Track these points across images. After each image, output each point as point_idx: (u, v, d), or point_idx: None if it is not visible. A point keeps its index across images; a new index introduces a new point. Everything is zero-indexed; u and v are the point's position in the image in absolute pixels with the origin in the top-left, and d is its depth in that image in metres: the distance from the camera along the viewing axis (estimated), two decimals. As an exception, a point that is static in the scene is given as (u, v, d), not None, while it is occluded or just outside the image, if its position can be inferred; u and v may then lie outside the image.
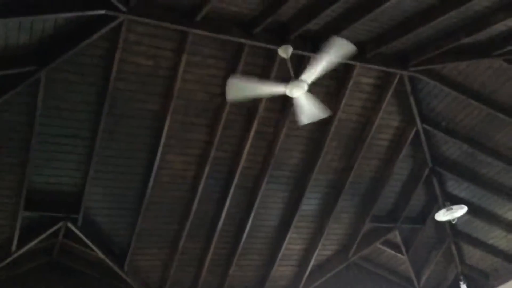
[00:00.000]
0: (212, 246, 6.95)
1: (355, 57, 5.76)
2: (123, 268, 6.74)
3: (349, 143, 6.75)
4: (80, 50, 5.01)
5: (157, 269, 7.05)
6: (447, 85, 6.19)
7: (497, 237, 8.00)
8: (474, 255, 8.39)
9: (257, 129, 6.16)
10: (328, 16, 5.25)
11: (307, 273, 7.71)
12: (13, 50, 4.79)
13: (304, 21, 5.26)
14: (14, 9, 4.37)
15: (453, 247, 8.31)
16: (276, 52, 5.43)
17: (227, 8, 5.07)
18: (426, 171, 7.27)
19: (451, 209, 7.09)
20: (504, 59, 5.82)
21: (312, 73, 4.74)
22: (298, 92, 4.90)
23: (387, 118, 6.68)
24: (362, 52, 5.76)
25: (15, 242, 6.16)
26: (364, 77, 6.21)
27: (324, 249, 7.75)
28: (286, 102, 6.00)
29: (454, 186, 7.50)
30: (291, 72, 5.02)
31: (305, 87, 4.86)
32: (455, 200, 7.43)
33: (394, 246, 8.09)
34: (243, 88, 4.83)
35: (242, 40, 5.36)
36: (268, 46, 5.43)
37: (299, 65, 5.48)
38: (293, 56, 5.29)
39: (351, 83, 6.09)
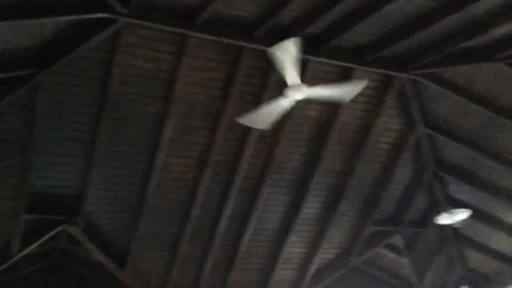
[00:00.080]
0: (213, 249, 6.94)
1: (355, 60, 5.78)
2: (124, 270, 6.74)
3: (350, 146, 6.74)
4: (80, 53, 5.02)
5: (158, 272, 7.04)
6: (448, 88, 6.18)
7: (500, 241, 7.96)
8: (476, 259, 8.36)
9: (258, 132, 6.15)
10: (328, 19, 5.24)
11: (308, 277, 7.69)
12: (13, 53, 4.80)
13: (304, 24, 5.26)
14: (14, 12, 4.37)
15: (456, 251, 8.28)
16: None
17: (227, 11, 5.06)
18: (428, 175, 7.25)
19: (453, 213, 7.08)
20: (506, 63, 5.79)
21: (295, 74, 4.71)
22: (299, 96, 4.88)
23: (388, 122, 6.67)
24: (362, 56, 5.77)
25: (16, 245, 6.15)
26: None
27: (326, 253, 7.73)
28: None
29: (456, 189, 7.48)
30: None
31: (305, 91, 4.84)
32: (457, 204, 7.40)
33: (396, 250, 8.07)
34: (257, 117, 4.90)
35: (243, 43, 5.36)
36: (269, 49, 5.41)
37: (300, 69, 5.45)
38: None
39: (352, 86, 6.07)
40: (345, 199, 7.10)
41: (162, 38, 5.25)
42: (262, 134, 6.21)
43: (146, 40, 5.23)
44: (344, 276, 8.08)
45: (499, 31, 5.32)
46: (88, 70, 5.27)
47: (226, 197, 6.59)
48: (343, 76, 6.01)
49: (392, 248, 8.05)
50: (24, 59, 4.92)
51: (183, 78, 5.52)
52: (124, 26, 4.98)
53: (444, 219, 7.16)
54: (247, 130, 6.14)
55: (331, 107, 6.28)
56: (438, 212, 7.45)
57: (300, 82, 4.74)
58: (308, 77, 5.62)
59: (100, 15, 4.72)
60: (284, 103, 4.84)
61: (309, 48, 5.50)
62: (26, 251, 6.24)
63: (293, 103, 4.83)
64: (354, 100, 6.21)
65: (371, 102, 6.42)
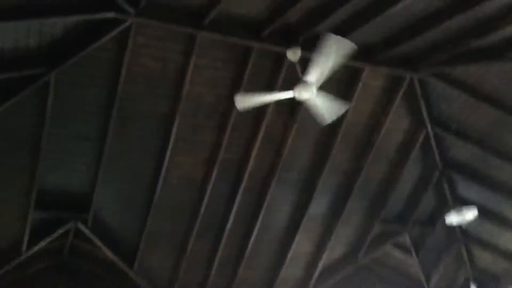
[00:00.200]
0: (221, 247, 6.97)
1: (364, 59, 5.76)
2: (132, 268, 6.79)
3: (358, 145, 6.73)
4: (89, 52, 5.05)
5: (166, 269, 7.09)
6: (458, 88, 6.14)
7: (508, 240, 7.92)
8: (484, 258, 8.32)
9: (266, 132, 6.16)
10: (337, 18, 5.23)
11: (315, 275, 7.70)
12: (23, 52, 4.84)
13: (312, 24, 5.25)
14: (24, 13, 4.42)
15: (464, 250, 8.26)
16: (284, 55, 5.42)
17: (235, 10, 5.07)
18: (436, 174, 7.23)
19: (461, 211, 7.05)
20: (515, 62, 5.76)
21: (317, 74, 4.71)
22: (307, 94, 4.88)
23: (397, 121, 6.64)
24: (371, 55, 5.75)
25: (25, 243, 6.22)
26: (373, 80, 6.18)
27: (333, 252, 7.73)
28: (294, 105, 5.99)
29: (465, 188, 7.44)
30: (300, 74, 5.01)
31: (314, 88, 4.84)
32: (465, 203, 7.37)
33: (404, 249, 8.05)
34: (251, 100, 4.87)
35: (250, 43, 5.36)
36: (277, 48, 5.42)
37: (308, 68, 5.45)
38: (301, 59, 5.28)
39: (360, 86, 6.06)
40: (352, 198, 7.09)
41: (170, 37, 5.27)
42: (270, 133, 6.22)
43: (154, 40, 5.25)
44: (352, 275, 8.09)
45: (509, 30, 5.28)
46: (97, 69, 5.30)
47: (233, 195, 6.61)
48: (352, 76, 6.01)
49: (400, 247, 8.04)
50: (34, 58, 4.96)
51: (191, 77, 5.53)
52: (132, 26, 5.00)
53: (452, 218, 7.14)
54: (255, 129, 6.15)
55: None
56: (446, 211, 7.42)
57: (314, 82, 4.75)
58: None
59: (109, 15, 4.74)
60: (286, 95, 4.85)
61: (316, 48, 5.49)
62: (36, 248, 6.31)
63: (300, 100, 4.85)
64: (362, 100, 6.26)
65: (380, 101, 6.40)
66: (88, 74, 5.30)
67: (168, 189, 6.31)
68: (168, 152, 5.96)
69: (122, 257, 6.71)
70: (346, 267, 7.89)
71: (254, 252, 7.23)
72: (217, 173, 6.30)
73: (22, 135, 5.51)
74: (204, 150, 6.18)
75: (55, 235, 6.30)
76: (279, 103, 5.90)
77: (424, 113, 6.55)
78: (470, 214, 7.05)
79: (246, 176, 6.44)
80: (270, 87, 5.85)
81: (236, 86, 5.74)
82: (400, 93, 6.28)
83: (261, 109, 6.00)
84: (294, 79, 4.96)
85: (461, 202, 7.38)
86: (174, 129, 5.82)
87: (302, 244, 7.42)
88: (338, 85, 6.00)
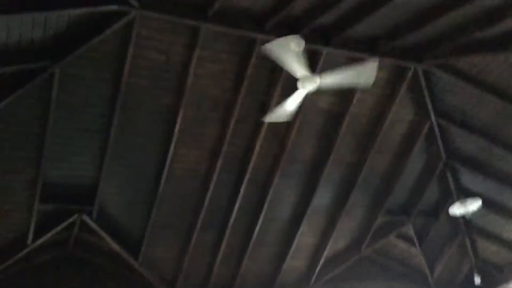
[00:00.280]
0: (225, 238, 7.00)
1: (368, 51, 5.75)
2: (137, 259, 6.82)
3: (362, 137, 6.73)
4: (93, 45, 5.04)
5: (171, 261, 7.12)
6: (462, 79, 6.12)
7: (512, 231, 7.94)
8: (488, 249, 8.34)
9: (270, 124, 6.15)
10: (340, 10, 5.21)
11: (319, 266, 7.73)
12: (27, 45, 4.84)
13: (316, 15, 5.24)
14: (28, 5, 4.41)
15: (467, 241, 8.27)
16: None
17: (239, 2, 5.06)
18: (440, 165, 7.23)
19: (465, 203, 7.06)
20: (520, 53, 5.74)
21: (331, 80, 4.74)
22: (311, 87, 4.87)
23: (401, 112, 6.64)
24: (375, 46, 5.73)
25: (30, 235, 6.26)
26: (377, 72, 6.14)
27: (337, 243, 7.76)
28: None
29: (469, 180, 7.44)
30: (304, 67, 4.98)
31: (318, 81, 4.84)
32: (469, 194, 7.38)
33: (408, 240, 8.08)
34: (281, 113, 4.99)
35: (254, 35, 5.35)
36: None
37: (311, 60, 5.45)
38: (305, 50, 5.25)
39: (364, 77, 6.05)
40: (356, 189, 7.11)
41: (174, 30, 5.26)
42: (273, 125, 6.22)
43: (158, 32, 5.24)
44: (355, 266, 8.12)
45: (514, 21, 5.26)
46: (101, 62, 5.30)
47: (237, 187, 6.62)
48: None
49: (404, 238, 8.07)
50: (38, 51, 4.96)
51: (195, 69, 5.53)
52: (136, 18, 4.99)
53: (456, 209, 7.15)
54: (258, 121, 6.16)
55: (343, 98, 6.26)
56: (450, 202, 7.44)
57: (309, 73, 4.74)
58: (320, 68, 5.60)
59: (113, 7, 4.74)
60: (298, 94, 4.86)
61: (321, 39, 5.49)
62: (41, 240, 6.34)
63: (307, 94, 4.85)
64: (366, 91, 6.25)
65: (384, 92, 6.40)
66: (92, 67, 5.30)
67: (172, 181, 6.33)
68: (172, 145, 5.97)
69: (127, 249, 6.74)
70: (350, 258, 7.92)
71: (258, 243, 7.26)
72: (221, 165, 6.31)
73: (26, 128, 5.52)
74: (208, 142, 6.19)
75: (60, 227, 6.32)
76: (283, 94, 5.90)
77: (428, 104, 6.54)
78: (474, 205, 7.06)
79: (250, 168, 6.45)
80: (273, 80, 5.85)
81: (240, 78, 5.74)
82: (404, 85, 6.27)
83: (265, 101, 6.01)
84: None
85: (465, 193, 7.39)
86: (178, 122, 5.82)
87: (306, 236, 7.45)
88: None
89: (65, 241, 6.77)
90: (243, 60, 5.63)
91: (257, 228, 7.04)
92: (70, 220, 6.30)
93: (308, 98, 5.19)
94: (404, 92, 6.38)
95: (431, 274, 8.50)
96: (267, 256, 7.52)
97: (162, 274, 7.14)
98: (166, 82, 5.61)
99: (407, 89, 6.37)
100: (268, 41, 5.39)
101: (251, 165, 6.43)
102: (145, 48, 5.31)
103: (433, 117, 6.66)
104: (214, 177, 6.39)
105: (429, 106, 6.55)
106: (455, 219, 7.93)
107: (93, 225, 6.39)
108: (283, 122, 6.25)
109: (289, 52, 4.41)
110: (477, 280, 8.40)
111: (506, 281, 8.43)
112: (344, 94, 6.15)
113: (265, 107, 6.06)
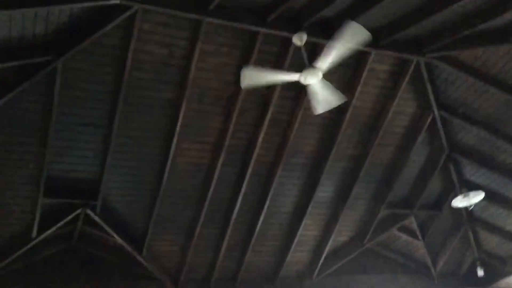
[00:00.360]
0: (228, 231, 7.02)
1: (370, 44, 5.71)
2: (141, 253, 6.85)
3: (364, 130, 6.73)
4: (95, 39, 5.05)
5: (175, 254, 7.15)
6: (464, 71, 6.12)
7: (515, 224, 7.94)
8: (491, 241, 8.35)
9: (272, 117, 6.17)
10: (342, 2, 5.20)
11: (322, 258, 7.75)
12: (30, 40, 4.86)
13: (318, 8, 5.23)
14: (31, 0, 4.42)
15: (470, 233, 8.28)
16: (290, 40, 5.41)
17: (240, -4, 5.06)
18: (443, 158, 7.23)
19: (468, 195, 7.07)
20: (522, 45, 5.72)
21: (327, 61, 4.71)
22: (313, 80, 4.88)
23: (403, 105, 6.64)
24: (377, 39, 5.72)
25: (35, 229, 6.29)
26: (379, 64, 6.17)
27: (340, 235, 7.78)
28: (301, 90, 5.97)
29: (471, 172, 7.45)
30: (306, 59, 5.00)
31: (320, 74, 4.84)
32: (472, 187, 7.39)
33: (410, 232, 8.09)
34: (257, 77, 4.84)
35: (256, 28, 5.35)
36: (282, 34, 5.41)
37: (313, 53, 5.45)
38: (307, 44, 5.27)
39: (366, 70, 6.06)
40: (359, 182, 7.12)
41: (176, 23, 5.26)
42: (276, 118, 6.23)
43: (160, 26, 5.25)
44: (358, 259, 8.13)
45: (516, 13, 5.25)
46: (103, 56, 5.31)
47: (240, 181, 6.64)
48: (358, 61, 5.99)
49: (406, 230, 8.08)
50: (41, 46, 4.97)
51: (197, 63, 5.53)
52: (138, 12, 4.99)
53: (459, 202, 7.16)
54: (261, 114, 6.17)
55: (346, 91, 6.25)
56: (453, 195, 7.45)
57: (322, 68, 4.74)
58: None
59: (115, 1, 4.73)
60: (292, 78, 4.85)
61: (322, 33, 5.48)
62: (45, 234, 6.37)
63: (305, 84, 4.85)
64: (368, 84, 6.26)
65: (386, 85, 6.39)
66: (94, 61, 5.31)
67: (175, 175, 6.35)
68: (175, 138, 5.99)
69: (130, 243, 6.76)
70: (353, 251, 7.93)
71: (261, 236, 7.28)
72: (224, 158, 6.33)
73: (30, 123, 5.54)
74: (210, 135, 6.20)
75: (64, 221, 6.34)
76: (285, 88, 5.91)
77: (431, 96, 6.54)
78: (476, 198, 7.07)
79: (253, 161, 6.46)
80: (276, 73, 5.85)
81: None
82: (407, 77, 6.27)
83: (268, 94, 6.01)
84: (300, 65, 4.95)
85: (468, 186, 7.39)
86: (181, 115, 5.83)
87: (309, 228, 7.47)
88: (344, 70, 6.00)
89: (69, 235, 6.80)
90: (245, 54, 5.63)
91: (260, 221, 7.06)
92: (74, 214, 6.32)
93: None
94: (406, 85, 6.37)
95: (434, 266, 8.52)
96: (270, 249, 7.54)
97: (165, 267, 7.18)
98: (169, 76, 5.62)
99: (409, 81, 6.36)
100: (269, 34, 5.45)
101: (254, 158, 6.44)
102: (147, 42, 5.32)
103: (435, 110, 6.66)
104: (217, 171, 6.40)
105: (432, 99, 6.55)
106: (458, 211, 7.94)
107: (97, 219, 6.42)
108: (286, 115, 6.29)
109: (347, 43, 4.44)
110: (480, 272, 8.43)
111: (509, 273, 8.44)
112: (347, 87, 6.14)
113: (267, 101, 6.07)
